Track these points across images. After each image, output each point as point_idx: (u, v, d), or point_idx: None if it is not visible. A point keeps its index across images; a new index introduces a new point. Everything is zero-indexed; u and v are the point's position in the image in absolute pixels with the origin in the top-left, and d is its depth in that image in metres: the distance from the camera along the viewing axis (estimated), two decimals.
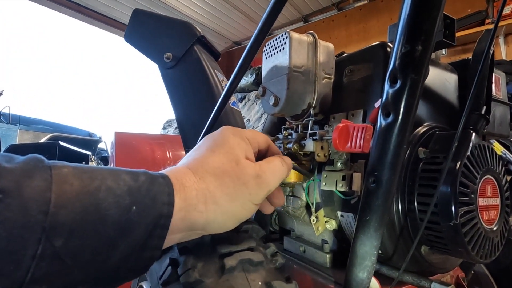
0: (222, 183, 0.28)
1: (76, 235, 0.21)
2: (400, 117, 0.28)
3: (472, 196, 0.37)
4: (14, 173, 0.20)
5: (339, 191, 0.44)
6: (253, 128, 2.58)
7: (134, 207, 0.23)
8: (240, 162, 0.30)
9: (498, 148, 0.76)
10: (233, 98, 0.81)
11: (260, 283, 0.31)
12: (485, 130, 0.50)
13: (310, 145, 0.44)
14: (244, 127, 0.78)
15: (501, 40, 2.30)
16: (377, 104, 0.42)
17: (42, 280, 0.20)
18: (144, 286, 0.42)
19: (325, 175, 0.46)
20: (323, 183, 0.46)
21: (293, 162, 0.43)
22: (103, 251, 0.22)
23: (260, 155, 0.36)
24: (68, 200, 0.21)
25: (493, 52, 0.45)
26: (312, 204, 0.50)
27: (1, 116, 3.41)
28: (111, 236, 0.22)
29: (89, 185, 0.22)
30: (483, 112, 0.44)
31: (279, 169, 0.33)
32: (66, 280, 0.21)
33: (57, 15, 3.01)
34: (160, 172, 0.28)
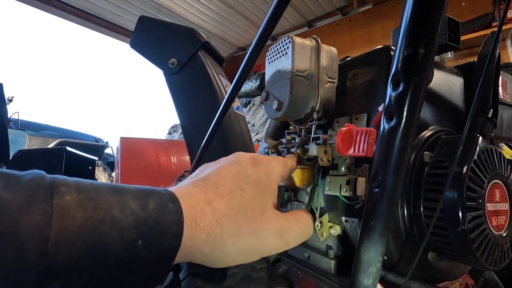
0: (238, 233, 0.26)
1: (75, 276, 0.19)
2: (403, 120, 0.27)
3: (480, 201, 0.36)
4: (11, 208, 0.18)
5: (343, 196, 0.43)
6: (257, 133, 2.58)
7: (140, 242, 0.22)
8: (265, 212, 0.27)
9: (507, 152, 0.75)
10: (237, 103, 0.82)
11: None
12: (492, 134, 0.49)
13: (313, 150, 0.44)
14: (248, 132, 0.78)
15: (508, 43, 2.28)
16: (380, 108, 0.42)
17: None
18: None
19: (329, 180, 0.45)
20: (327, 188, 0.45)
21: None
22: None
23: None
24: (69, 237, 0.19)
25: (499, 54, 0.45)
26: (316, 209, 0.49)
27: (11, 122, 3.48)
28: (113, 273, 0.21)
29: (93, 217, 0.20)
30: (490, 115, 0.43)
31: (305, 231, 0.30)
32: None
33: (66, 23, 3.08)
34: (171, 192, 0.25)
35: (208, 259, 0.26)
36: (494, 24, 2.18)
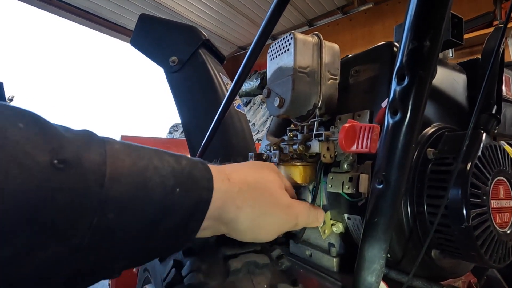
0: (263, 197, 0.31)
1: (126, 210, 0.22)
2: (408, 115, 0.27)
3: (484, 198, 0.35)
4: (74, 144, 0.20)
5: (345, 193, 0.43)
6: (258, 132, 2.58)
7: (177, 189, 0.24)
8: (280, 188, 0.33)
9: (509, 151, 0.75)
10: (238, 101, 0.81)
11: (265, 286, 0.31)
12: (495, 131, 0.49)
13: (315, 146, 0.44)
14: (250, 131, 0.78)
15: (510, 41, 2.27)
16: (384, 104, 0.42)
17: (93, 249, 0.20)
18: None
19: (331, 177, 0.45)
20: (329, 185, 0.45)
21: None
22: (147, 229, 0.23)
23: None
24: (121, 175, 0.21)
25: (503, 50, 0.44)
26: (319, 206, 0.49)
27: None
28: (155, 214, 0.23)
29: (138, 163, 0.23)
30: (493, 111, 0.43)
31: (307, 211, 0.36)
32: (112, 253, 0.22)
33: (66, 22, 3.08)
34: (199, 158, 0.29)
35: (239, 212, 0.28)
36: (495, 22, 2.18)
